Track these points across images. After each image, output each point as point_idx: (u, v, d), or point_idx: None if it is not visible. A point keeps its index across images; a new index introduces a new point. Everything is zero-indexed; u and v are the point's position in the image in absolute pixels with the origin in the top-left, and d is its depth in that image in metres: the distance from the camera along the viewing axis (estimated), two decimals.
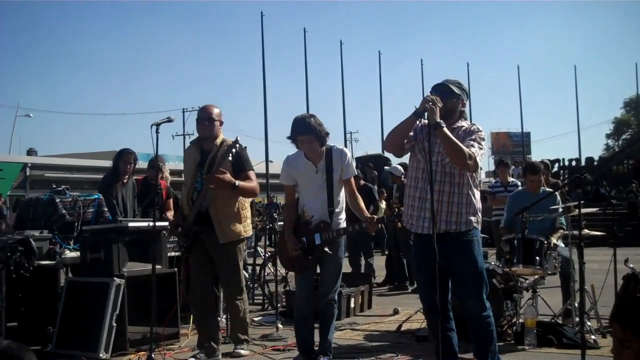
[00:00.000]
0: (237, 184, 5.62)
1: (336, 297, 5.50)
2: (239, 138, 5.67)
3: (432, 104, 4.36)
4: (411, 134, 4.63)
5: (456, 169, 4.55)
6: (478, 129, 4.65)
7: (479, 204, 4.71)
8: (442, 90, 4.63)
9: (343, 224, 5.44)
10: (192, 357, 5.69)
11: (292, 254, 5.43)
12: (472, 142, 4.51)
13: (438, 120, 4.35)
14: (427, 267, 4.30)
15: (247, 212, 6.00)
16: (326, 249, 5.32)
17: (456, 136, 4.53)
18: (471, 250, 4.61)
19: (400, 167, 10.84)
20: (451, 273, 4.63)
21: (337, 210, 5.41)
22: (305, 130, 5.33)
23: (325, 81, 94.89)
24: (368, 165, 20.70)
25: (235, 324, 6.00)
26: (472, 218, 4.61)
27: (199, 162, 5.89)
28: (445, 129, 4.38)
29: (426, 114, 4.39)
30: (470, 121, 4.85)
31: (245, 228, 5.95)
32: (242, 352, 5.92)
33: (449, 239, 4.52)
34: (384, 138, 4.78)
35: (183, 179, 6.28)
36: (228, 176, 5.59)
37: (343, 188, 5.49)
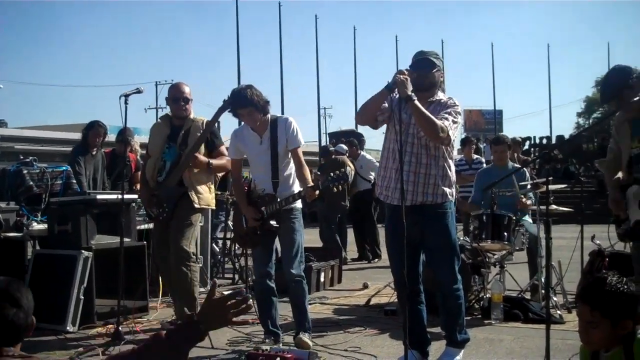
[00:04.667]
0: (211, 163, 5.74)
1: (302, 273, 5.31)
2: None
3: (403, 77, 4.36)
4: (385, 105, 4.62)
5: (432, 141, 4.57)
6: (454, 102, 4.68)
7: (454, 177, 4.76)
8: (425, 64, 4.64)
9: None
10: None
11: (253, 224, 5.27)
12: (446, 115, 4.53)
13: (409, 93, 4.35)
14: (400, 239, 4.31)
15: (212, 186, 6.04)
16: (272, 223, 5.19)
17: (432, 109, 4.56)
18: (446, 222, 4.66)
19: (344, 146, 11.72)
20: (425, 245, 4.67)
21: (282, 181, 5.25)
22: (245, 104, 5.19)
23: (300, 56, 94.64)
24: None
25: (180, 294, 5.74)
26: (448, 190, 4.65)
27: (169, 135, 5.91)
28: (417, 102, 4.39)
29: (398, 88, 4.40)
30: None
31: (212, 199, 6.01)
32: None
33: (425, 211, 4.57)
34: (357, 111, 4.77)
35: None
36: (204, 157, 5.72)
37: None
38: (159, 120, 6.22)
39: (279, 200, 5.17)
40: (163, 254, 5.81)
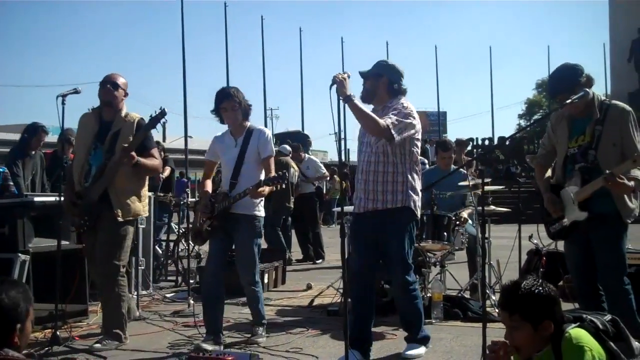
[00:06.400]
0: (139, 161, 5.33)
1: (258, 280, 5.46)
2: (165, 109, 5.31)
3: (341, 77, 4.48)
4: None
5: (389, 148, 4.72)
6: (403, 105, 4.81)
7: (412, 183, 4.85)
8: (362, 74, 4.95)
9: (253, 202, 5.33)
10: (96, 343, 5.30)
11: (204, 216, 5.45)
12: (390, 114, 4.68)
13: (348, 93, 4.46)
14: (359, 239, 4.89)
15: (145, 190, 5.70)
16: (217, 222, 5.34)
17: (384, 112, 4.73)
18: (400, 232, 4.82)
19: (287, 147, 11.71)
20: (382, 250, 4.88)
21: (240, 184, 5.33)
22: (228, 97, 5.41)
23: (246, 57, 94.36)
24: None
25: (107, 313, 5.49)
26: (401, 197, 4.77)
27: (97, 133, 5.52)
28: (357, 101, 4.54)
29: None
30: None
31: (144, 207, 5.67)
32: (99, 346, 5.21)
33: (379, 216, 4.78)
34: None
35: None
36: (134, 155, 5.30)
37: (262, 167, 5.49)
38: (89, 110, 5.67)
39: (230, 197, 5.30)
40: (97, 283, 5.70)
